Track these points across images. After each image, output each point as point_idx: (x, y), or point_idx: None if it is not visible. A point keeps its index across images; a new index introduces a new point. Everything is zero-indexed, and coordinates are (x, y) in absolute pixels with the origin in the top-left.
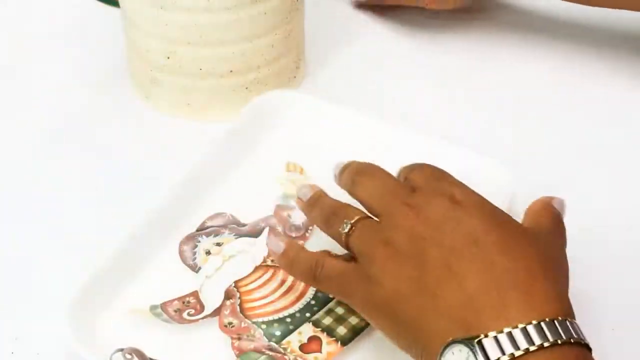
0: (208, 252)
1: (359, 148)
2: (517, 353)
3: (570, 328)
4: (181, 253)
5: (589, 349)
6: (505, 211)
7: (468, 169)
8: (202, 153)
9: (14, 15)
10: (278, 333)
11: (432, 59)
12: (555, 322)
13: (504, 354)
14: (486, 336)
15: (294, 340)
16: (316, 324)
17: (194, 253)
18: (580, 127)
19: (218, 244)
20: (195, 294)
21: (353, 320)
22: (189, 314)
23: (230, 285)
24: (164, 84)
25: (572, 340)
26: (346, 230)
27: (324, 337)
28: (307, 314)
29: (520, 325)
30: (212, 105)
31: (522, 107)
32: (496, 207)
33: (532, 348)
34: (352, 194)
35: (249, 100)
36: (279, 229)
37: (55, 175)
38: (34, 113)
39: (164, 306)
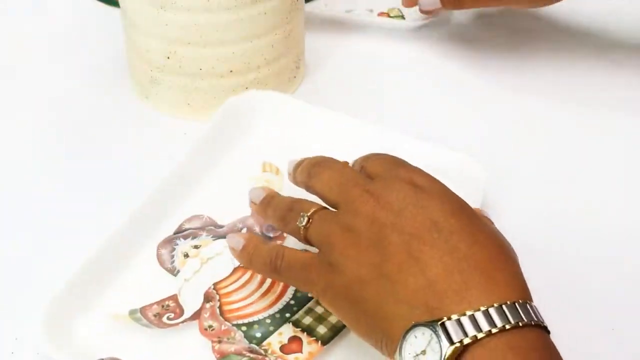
0: (186, 255)
1: (335, 147)
2: (480, 335)
3: (531, 311)
4: (159, 256)
5: (548, 332)
6: (478, 207)
7: (442, 165)
8: (178, 156)
9: (14, 15)
10: (258, 335)
11: (432, 60)
12: (517, 304)
13: (466, 335)
14: (449, 319)
15: (275, 341)
16: (296, 324)
17: (172, 256)
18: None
19: (196, 247)
20: (174, 298)
21: (333, 319)
22: (168, 318)
23: (210, 288)
24: (164, 84)
25: (532, 323)
26: (304, 223)
27: (304, 337)
28: (287, 314)
29: (482, 308)
30: (212, 105)
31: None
32: (456, 195)
33: (494, 330)
34: (308, 187)
35: None
36: (257, 229)
37: (56, 175)
38: (34, 113)
39: (143, 310)
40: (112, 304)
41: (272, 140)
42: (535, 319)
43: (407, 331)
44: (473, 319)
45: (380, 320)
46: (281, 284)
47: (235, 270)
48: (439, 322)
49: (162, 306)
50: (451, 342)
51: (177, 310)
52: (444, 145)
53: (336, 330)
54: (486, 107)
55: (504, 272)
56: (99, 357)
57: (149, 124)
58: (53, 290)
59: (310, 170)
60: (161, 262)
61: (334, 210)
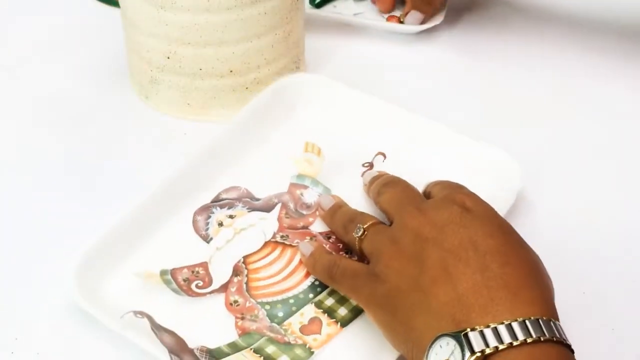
0: (221, 224)
1: (378, 134)
2: (501, 346)
3: (554, 328)
4: (195, 223)
5: (572, 350)
6: (512, 204)
7: (478, 160)
8: (223, 129)
9: (14, 15)
10: (281, 314)
11: (432, 58)
12: (540, 321)
13: (487, 346)
14: (472, 330)
15: (295, 322)
16: (318, 305)
17: (207, 224)
18: (589, 125)
19: (231, 217)
20: (204, 265)
21: (354, 301)
22: (197, 286)
23: (239, 261)
24: (164, 84)
25: (554, 339)
26: (359, 234)
27: (324, 318)
28: (310, 295)
29: (506, 322)
30: (212, 105)
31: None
32: (502, 218)
33: (515, 343)
34: (377, 203)
35: (249, 100)
36: (291, 205)
37: (55, 175)
38: (34, 113)
39: (173, 273)
40: (143, 262)
41: (316, 122)
42: (558, 335)
43: (434, 340)
44: (495, 331)
45: (412, 330)
46: None
47: (265, 244)
48: (463, 333)
49: (192, 272)
50: (472, 352)
51: (206, 279)
52: (482, 140)
53: (356, 313)
54: (488, 102)
55: (532, 291)
56: (127, 311)
57: (149, 124)
58: (85, 243)
59: (380, 189)
60: (196, 229)
61: (387, 225)
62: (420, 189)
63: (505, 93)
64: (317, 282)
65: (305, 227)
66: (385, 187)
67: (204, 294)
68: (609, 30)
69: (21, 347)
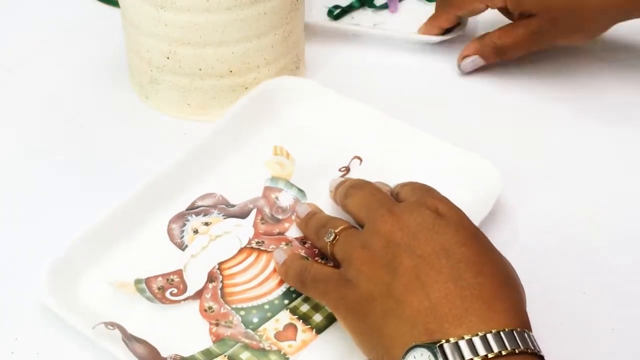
0: (196, 231)
1: (356, 138)
2: (476, 359)
3: (528, 339)
4: (170, 231)
5: None
6: (490, 209)
7: (458, 166)
8: (196, 139)
9: (14, 15)
10: (255, 320)
11: (433, 61)
12: (514, 332)
13: (463, 359)
14: (447, 341)
15: (270, 327)
16: (293, 311)
17: (182, 231)
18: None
19: (206, 224)
20: (179, 273)
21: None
22: (171, 293)
23: (214, 268)
24: (164, 84)
25: (528, 351)
26: (330, 238)
27: (299, 324)
28: (286, 301)
29: (480, 333)
30: (212, 105)
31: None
32: (474, 225)
33: (490, 355)
34: (344, 207)
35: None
36: (266, 210)
37: (55, 175)
38: (34, 113)
39: (148, 281)
40: (117, 271)
41: (294, 126)
42: (532, 347)
43: (407, 351)
44: (471, 343)
45: (383, 337)
46: None
47: (241, 250)
48: (438, 345)
49: (167, 280)
50: None
51: (181, 286)
52: (462, 146)
53: (332, 319)
54: (481, 109)
55: (505, 302)
56: (99, 321)
57: (149, 124)
58: (60, 248)
59: (347, 191)
60: (171, 237)
61: (360, 229)
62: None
63: (493, 103)
64: (292, 289)
65: (281, 233)
66: (352, 189)
67: (178, 301)
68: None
69: (21, 347)
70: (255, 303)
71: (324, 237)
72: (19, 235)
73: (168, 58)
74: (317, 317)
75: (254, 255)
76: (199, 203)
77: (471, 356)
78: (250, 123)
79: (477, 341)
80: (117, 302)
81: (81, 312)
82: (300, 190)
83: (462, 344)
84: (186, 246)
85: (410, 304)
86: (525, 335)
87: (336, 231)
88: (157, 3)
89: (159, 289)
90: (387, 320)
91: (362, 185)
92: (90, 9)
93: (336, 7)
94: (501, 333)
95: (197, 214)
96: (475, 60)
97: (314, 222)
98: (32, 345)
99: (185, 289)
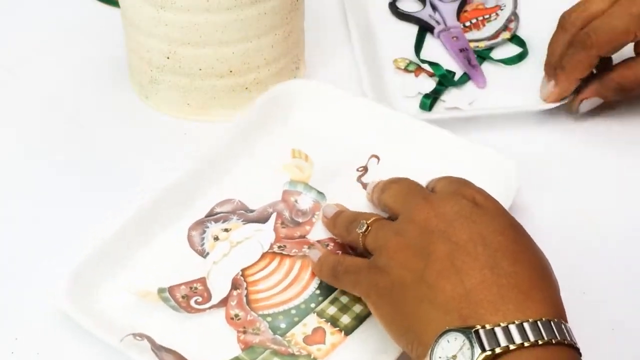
0: (216, 238)
1: (371, 137)
2: (512, 346)
3: (565, 330)
4: (190, 238)
5: (580, 353)
6: (510, 204)
7: (475, 161)
8: (210, 142)
9: (14, 15)
10: (283, 325)
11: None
12: (551, 322)
13: (498, 345)
14: (483, 327)
15: (298, 332)
16: (320, 314)
17: (203, 238)
18: (589, 125)
19: (226, 230)
20: (202, 281)
21: (357, 308)
22: (196, 302)
23: (238, 274)
24: (164, 84)
25: (565, 342)
26: (363, 229)
27: (327, 327)
28: (312, 305)
29: (517, 322)
30: (212, 105)
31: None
32: (511, 216)
33: (526, 344)
34: (381, 201)
35: (249, 100)
36: (286, 214)
37: (55, 175)
38: (34, 113)
39: (171, 290)
40: (137, 278)
41: (308, 128)
42: (569, 339)
43: (440, 335)
44: (507, 331)
45: (415, 322)
46: (308, 273)
47: (263, 255)
48: (473, 330)
49: (190, 288)
50: (483, 350)
51: (205, 294)
52: (477, 141)
53: (360, 320)
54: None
55: (542, 292)
56: (122, 330)
57: (149, 124)
58: (80, 257)
59: (384, 185)
60: (192, 244)
61: (393, 220)
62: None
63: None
64: (318, 292)
65: (303, 236)
66: (390, 183)
67: (204, 310)
68: None
69: (21, 347)
70: (281, 308)
71: (356, 229)
72: (18, 234)
73: (168, 58)
74: (345, 319)
75: (277, 260)
76: (218, 209)
77: (507, 343)
78: (264, 127)
79: (513, 329)
80: (137, 310)
81: (102, 320)
82: (320, 193)
83: (498, 331)
84: (207, 253)
85: (443, 289)
86: (562, 326)
87: (368, 222)
88: (157, 3)
89: (182, 297)
90: (419, 305)
91: (399, 179)
92: (90, 9)
93: (426, 96)
94: (538, 322)
95: (216, 221)
96: (594, 102)
97: (342, 219)
98: (32, 345)
99: (209, 297)
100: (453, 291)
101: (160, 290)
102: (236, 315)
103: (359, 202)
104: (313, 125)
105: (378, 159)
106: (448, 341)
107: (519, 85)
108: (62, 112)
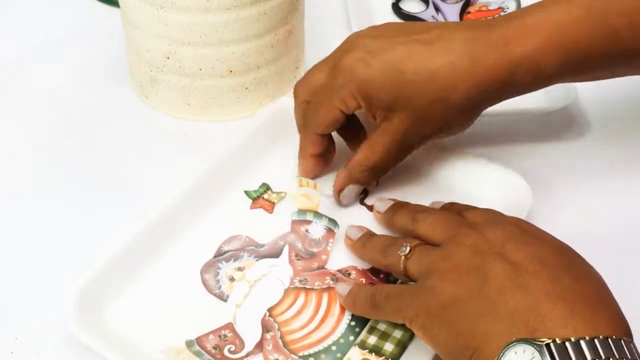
0: (232, 279)
1: None
2: None
3: (634, 350)
4: (205, 282)
5: None
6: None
7: (487, 179)
8: (210, 163)
9: (15, 15)
10: None
11: None
12: (622, 341)
13: (570, 359)
14: (553, 341)
15: None
16: (362, 346)
17: (218, 281)
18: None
19: (240, 269)
20: (230, 326)
21: (397, 334)
22: (230, 351)
23: (266, 315)
24: (164, 84)
25: None
26: (406, 252)
27: (373, 358)
28: (351, 338)
29: (587, 337)
30: (212, 105)
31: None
32: (557, 239)
33: None
34: (412, 230)
35: (249, 100)
36: (299, 245)
37: (55, 175)
38: (34, 113)
39: (200, 341)
40: (164, 332)
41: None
42: (638, 358)
43: (507, 346)
44: (578, 346)
45: (474, 337)
46: (337, 306)
47: (286, 292)
48: (545, 343)
49: (220, 336)
50: None
51: (237, 341)
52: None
53: (403, 346)
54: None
55: (608, 309)
56: (127, 348)
57: (149, 124)
58: (81, 277)
59: (415, 216)
60: (209, 288)
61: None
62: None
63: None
64: (353, 323)
65: (321, 267)
66: (421, 213)
67: (241, 359)
68: None
69: (21, 347)
70: (321, 347)
71: (397, 252)
72: (17, 234)
73: (168, 58)
74: (389, 347)
75: (302, 295)
76: (225, 247)
77: (578, 359)
78: (254, 155)
79: (584, 345)
80: (143, 328)
81: (109, 340)
82: (331, 220)
83: (569, 346)
84: (227, 296)
85: (506, 303)
86: (632, 345)
87: (411, 245)
88: (157, 3)
89: (214, 348)
90: (479, 320)
91: (430, 209)
92: (90, 9)
93: None
94: (609, 339)
95: (227, 260)
96: (352, 190)
97: (375, 242)
98: (32, 345)
99: (242, 344)
100: (516, 304)
101: (189, 344)
102: None
103: (370, 226)
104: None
105: (377, 182)
106: (516, 352)
107: None
108: (62, 112)
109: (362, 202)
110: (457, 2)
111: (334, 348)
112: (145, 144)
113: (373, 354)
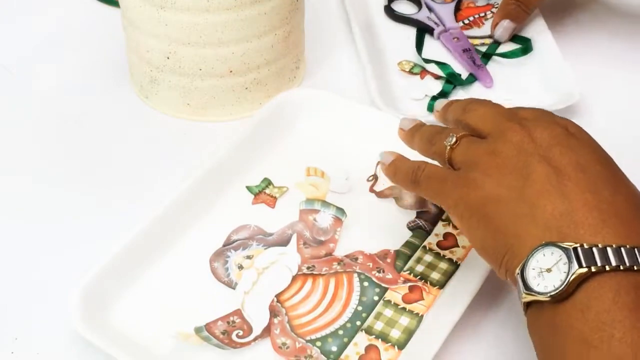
0: (240, 267)
1: (377, 144)
2: (607, 267)
3: None
4: (214, 270)
5: None
6: None
7: None
8: (212, 160)
9: (14, 15)
10: (334, 349)
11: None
12: None
13: (595, 264)
14: (581, 245)
15: (352, 353)
16: (369, 331)
17: (227, 269)
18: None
19: (248, 257)
20: (238, 313)
21: (404, 320)
22: (237, 336)
23: (273, 301)
24: (164, 84)
25: None
26: (452, 142)
27: (379, 344)
28: (358, 322)
29: (615, 245)
30: (212, 105)
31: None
32: (602, 148)
33: (622, 267)
34: (462, 120)
35: (249, 100)
36: (307, 234)
37: (55, 175)
38: (34, 113)
39: (209, 327)
40: (175, 317)
41: (309, 140)
42: None
43: (537, 248)
44: (604, 252)
45: (510, 236)
46: (345, 291)
47: (294, 278)
48: (572, 247)
49: (228, 322)
50: (580, 266)
51: (245, 327)
52: None
53: (409, 333)
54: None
55: None
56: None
57: (149, 124)
58: (90, 269)
59: (467, 106)
60: (217, 276)
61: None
62: None
63: None
64: (360, 308)
65: (329, 254)
66: (473, 104)
67: (248, 343)
68: None
69: (21, 347)
70: (328, 331)
71: (443, 141)
72: (17, 234)
73: (168, 58)
74: (395, 333)
75: (310, 281)
76: (235, 237)
77: (603, 263)
78: (263, 144)
79: (610, 251)
80: (151, 321)
81: (114, 339)
82: (339, 209)
83: (596, 251)
84: (236, 284)
85: (544, 207)
86: None
87: (457, 136)
88: (157, 3)
89: (222, 333)
90: (517, 221)
91: (484, 101)
92: (90, 9)
93: (434, 98)
94: (635, 249)
95: (235, 249)
96: (506, 25)
97: (424, 131)
98: (32, 345)
99: (250, 329)
100: (554, 210)
101: (198, 330)
102: (284, 344)
103: (376, 215)
104: (315, 136)
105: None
106: (544, 255)
107: (525, 84)
108: (62, 112)
109: (371, 189)
110: (450, 2)
111: (340, 332)
112: (145, 144)
113: (380, 340)
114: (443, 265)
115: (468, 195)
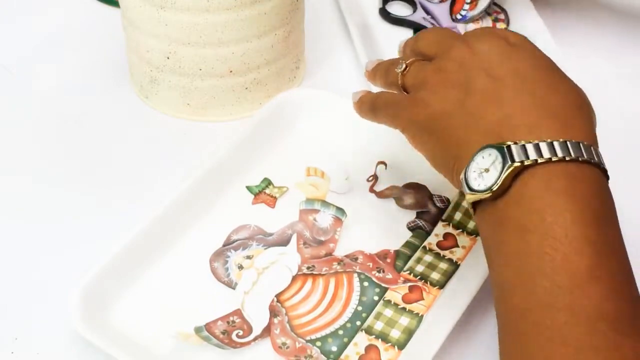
0: (240, 267)
1: (376, 144)
2: (540, 160)
3: (593, 152)
4: (214, 270)
5: (607, 175)
6: None
7: None
8: (212, 160)
9: (14, 15)
10: (334, 349)
11: None
12: (581, 144)
13: (528, 158)
14: (515, 143)
15: (352, 353)
16: (369, 331)
17: (227, 269)
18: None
19: (248, 257)
20: (238, 313)
21: (403, 320)
22: (237, 336)
23: (273, 301)
24: (164, 84)
25: (592, 161)
26: (402, 68)
27: (379, 344)
28: (358, 322)
29: (548, 140)
30: (212, 105)
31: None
32: (543, 53)
33: (554, 159)
34: (415, 49)
35: (249, 100)
36: (307, 234)
37: (55, 175)
38: (34, 113)
39: (209, 327)
40: (175, 318)
41: (308, 140)
42: (596, 159)
43: (476, 152)
44: (537, 147)
45: (456, 146)
46: (345, 291)
47: (294, 278)
48: (506, 145)
49: (228, 322)
50: (512, 161)
51: (245, 327)
52: None
53: (409, 333)
54: None
55: (577, 119)
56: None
57: (149, 124)
58: (90, 269)
59: (418, 35)
60: (217, 276)
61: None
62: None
63: None
64: (360, 308)
65: (329, 254)
66: (423, 33)
67: (248, 343)
68: None
69: (21, 347)
70: (328, 331)
71: (395, 69)
72: (17, 234)
73: (168, 58)
74: (395, 333)
75: (310, 281)
76: (235, 237)
77: (535, 157)
78: (263, 145)
79: (543, 146)
80: (151, 322)
81: (114, 339)
82: (339, 209)
83: (529, 147)
84: (236, 284)
85: (484, 116)
86: (592, 148)
87: (407, 62)
88: (157, 3)
89: (222, 333)
90: (461, 132)
91: (434, 28)
92: (90, 9)
93: None
94: (567, 142)
95: (235, 249)
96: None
97: (380, 65)
98: (32, 345)
99: (250, 329)
100: (493, 116)
101: (198, 330)
102: (284, 344)
103: (377, 214)
104: (314, 136)
105: (385, 165)
106: (483, 157)
107: None
108: (62, 112)
109: (371, 189)
110: (444, 1)
111: (340, 332)
112: (145, 144)
113: (380, 340)
114: (443, 265)
115: (418, 115)
